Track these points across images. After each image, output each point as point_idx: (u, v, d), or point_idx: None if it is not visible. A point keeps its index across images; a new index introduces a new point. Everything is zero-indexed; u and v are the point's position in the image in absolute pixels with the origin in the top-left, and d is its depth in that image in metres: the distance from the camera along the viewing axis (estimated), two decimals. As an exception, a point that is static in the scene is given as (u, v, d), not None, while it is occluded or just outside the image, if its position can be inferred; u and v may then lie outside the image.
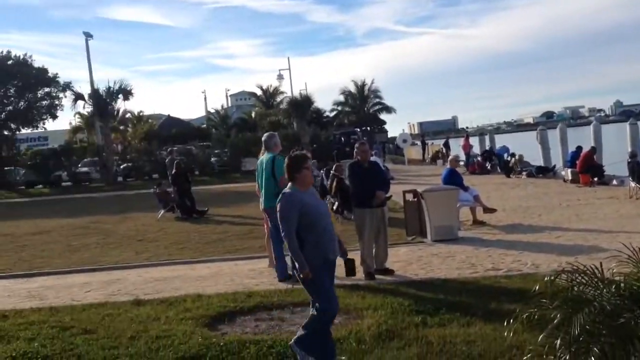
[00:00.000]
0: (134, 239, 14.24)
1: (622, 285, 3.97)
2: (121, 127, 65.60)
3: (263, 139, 9.14)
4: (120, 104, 45.94)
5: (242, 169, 36.99)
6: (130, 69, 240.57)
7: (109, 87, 37.13)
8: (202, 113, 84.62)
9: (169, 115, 75.78)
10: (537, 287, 4.19)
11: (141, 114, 72.41)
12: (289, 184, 5.37)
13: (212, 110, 75.40)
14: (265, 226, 9.54)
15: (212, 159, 39.01)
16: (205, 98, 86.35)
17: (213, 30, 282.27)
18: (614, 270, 4.13)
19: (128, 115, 69.87)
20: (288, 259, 8.73)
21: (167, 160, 24.45)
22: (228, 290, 8.21)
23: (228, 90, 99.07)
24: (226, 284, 8.78)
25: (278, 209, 5.24)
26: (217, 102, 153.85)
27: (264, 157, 8.94)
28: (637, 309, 3.73)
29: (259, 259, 10.31)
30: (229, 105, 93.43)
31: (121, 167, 39.61)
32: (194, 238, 13.69)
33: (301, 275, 5.23)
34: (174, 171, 18.78)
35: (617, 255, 4.20)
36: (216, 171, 37.75)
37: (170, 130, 59.53)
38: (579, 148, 21.72)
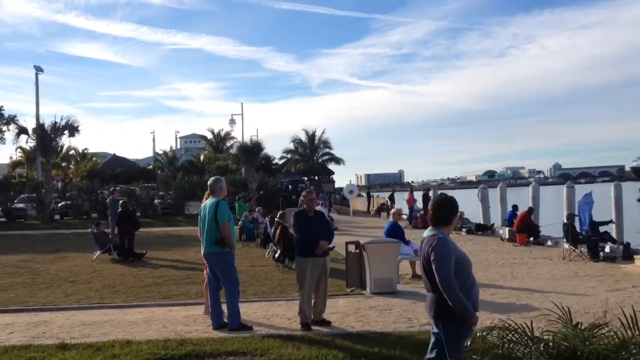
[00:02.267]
0: (66, 280, 13.74)
1: (550, 344, 4.02)
2: (63, 164, 64.30)
3: (209, 182, 9.02)
4: (65, 140, 45.00)
5: (185, 212, 36.51)
6: (80, 105, 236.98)
7: (55, 123, 36.29)
8: (150, 154, 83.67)
9: (114, 154, 74.79)
10: (468, 343, 4.19)
11: (86, 151, 71.30)
12: (434, 229, 4.88)
13: (160, 152, 74.74)
14: (205, 272, 9.36)
15: (156, 201, 38.37)
16: (154, 139, 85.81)
17: (169, 72, 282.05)
18: (544, 329, 4.18)
19: (72, 152, 68.68)
20: (224, 307, 8.59)
21: (108, 200, 23.93)
22: (159, 337, 7.97)
23: (178, 132, 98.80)
24: (158, 330, 8.52)
25: (435, 253, 4.71)
26: (167, 143, 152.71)
27: (208, 201, 8.80)
28: (564, 368, 3.77)
29: (195, 305, 10.08)
30: (178, 147, 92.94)
31: (59, 205, 38.49)
32: (129, 281, 13.30)
33: (471, 323, 4.81)
34: (119, 210, 18.36)
35: (548, 315, 4.27)
36: (159, 213, 37.12)
37: (115, 169, 58.65)
38: (515, 207, 22.42)
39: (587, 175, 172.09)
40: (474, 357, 4.02)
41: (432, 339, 5.07)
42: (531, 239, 19.61)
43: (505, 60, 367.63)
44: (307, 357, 6.81)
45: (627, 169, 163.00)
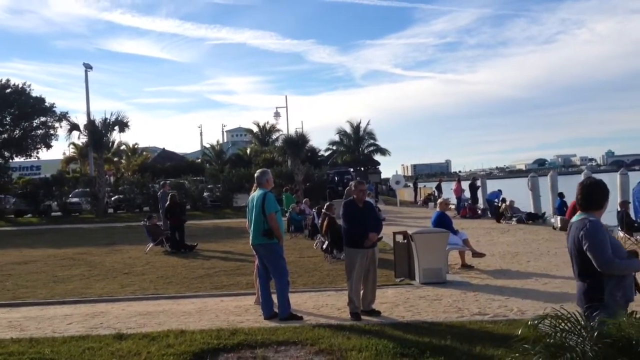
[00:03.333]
0: (120, 271, 14.13)
1: (604, 332, 3.96)
2: (115, 159, 65.83)
3: (256, 175, 9.15)
4: (116, 136, 46.12)
5: (234, 205, 36.97)
6: (128, 101, 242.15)
7: (105, 119, 37.20)
8: (198, 148, 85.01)
9: (164, 148, 76.05)
10: (520, 332, 4.17)
11: (136, 146, 72.86)
12: (584, 214, 4.67)
13: (208, 145, 75.67)
14: (255, 262, 9.50)
15: (205, 194, 38.95)
16: (201, 133, 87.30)
17: (213, 66, 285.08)
18: (597, 318, 4.13)
19: (123, 147, 70.24)
20: (274, 297, 8.71)
21: (159, 193, 24.46)
22: (212, 326, 8.13)
23: (224, 126, 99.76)
24: (211, 320, 8.69)
25: (588, 236, 4.49)
26: (213, 137, 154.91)
27: (255, 193, 8.93)
28: (619, 357, 3.71)
29: (246, 295, 10.25)
30: (225, 140, 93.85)
31: (112, 198, 39.47)
32: (181, 273, 13.59)
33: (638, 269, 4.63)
34: (167, 204, 18.76)
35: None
36: (208, 206, 37.69)
37: (165, 163, 59.67)
38: (561, 195, 22.03)
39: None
40: (525, 346, 4.00)
41: None
42: (584, 227, 19.18)
43: (554, 47, 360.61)
44: (357, 347, 6.85)
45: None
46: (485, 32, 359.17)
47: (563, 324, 4.11)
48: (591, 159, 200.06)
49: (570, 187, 27.65)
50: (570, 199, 21.15)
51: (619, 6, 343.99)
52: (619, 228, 16.30)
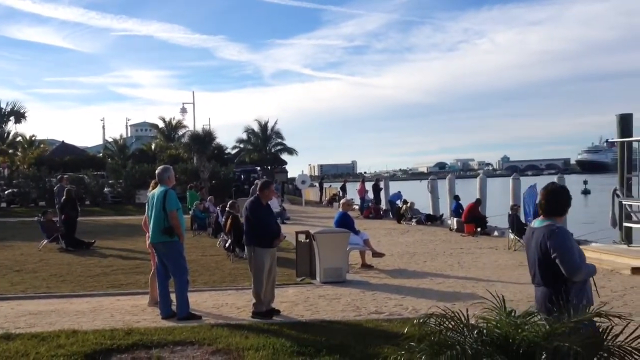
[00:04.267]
0: (11, 269, 13.48)
1: (484, 331, 4.19)
2: (10, 151, 62.40)
3: (157, 171, 8.96)
4: (12, 127, 43.73)
5: (136, 201, 36.01)
6: (26, 91, 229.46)
7: (0, 109, 35.29)
8: (100, 141, 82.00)
9: (63, 141, 72.82)
10: (406, 330, 4.35)
11: (33, 138, 69.32)
12: (547, 219, 4.73)
13: (110, 140, 73.24)
14: (152, 261, 9.34)
15: (106, 189, 37.74)
16: (103, 126, 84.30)
17: (118, 58, 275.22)
18: (479, 317, 4.36)
19: (19, 138, 66.69)
20: (173, 296, 8.60)
21: (56, 187, 23.47)
22: (106, 326, 7.94)
23: (129, 120, 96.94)
24: (105, 320, 8.48)
25: (558, 243, 4.55)
26: (117, 131, 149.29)
27: (156, 190, 8.77)
28: (497, 354, 3.94)
29: (144, 294, 10.04)
30: (129, 135, 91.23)
31: (5, 192, 37.48)
32: (76, 271, 13.14)
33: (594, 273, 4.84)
34: (63, 198, 18.04)
35: (484, 302, 4.45)
36: (109, 202, 36.54)
37: (64, 157, 57.17)
38: (457, 198, 23.09)
39: (534, 168, 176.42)
40: (411, 343, 4.18)
41: None
42: (478, 229, 20.10)
43: (456, 55, 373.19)
44: (255, 346, 6.89)
45: (573, 162, 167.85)
46: (392, 37, 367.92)
47: (447, 323, 4.32)
48: (488, 164, 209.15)
49: (467, 190, 28.88)
50: (466, 201, 22.13)
51: (518, 18, 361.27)
52: (510, 230, 17.16)
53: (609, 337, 3.93)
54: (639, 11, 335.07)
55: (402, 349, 4.12)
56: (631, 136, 16.50)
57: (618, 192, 15.49)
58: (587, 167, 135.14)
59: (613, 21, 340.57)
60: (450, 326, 4.30)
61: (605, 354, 3.85)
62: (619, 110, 17.06)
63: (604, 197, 23.33)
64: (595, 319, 4.13)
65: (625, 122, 16.75)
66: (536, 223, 4.85)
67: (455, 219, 21.71)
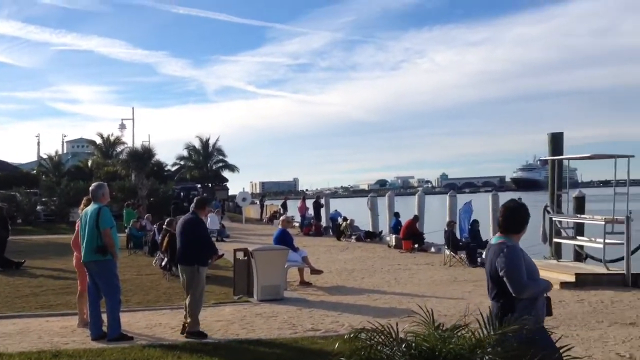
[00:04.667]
0: None
1: (413, 344, 4.25)
2: (-63, 167, 59.91)
3: (91, 188, 8.74)
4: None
5: (70, 219, 35.00)
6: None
7: None
8: (34, 158, 79.41)
9: (-7, 158, 70.43)
10: (337, 346, 4.37)
11: (-38, 154, 66.85)
12: (503, 237, 4.76)
13: (45, 156, 71.13)
14: (79, 281, 9.10)
15: (39, 207, 36.58)
16: (38, 142, 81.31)
17: (56, 73, 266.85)
18: (408, 331, 4.42)
19: (-54, 154, 64.15)
20: (104, 316, 8.37)
21: (-16, 206, 22.61)
22: (33, 348, 7.67)
23: (65, 136, 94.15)
24: (33, 342, 8.18)
25: (505, 262, 4.60)
26: (53, 147, 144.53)
27: (89, 207, 8.56)
28: (424, 367, 4.00)
29: (74, 315, 9.72)
30: (65, 151, 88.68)
31: None
32: (4, 291, 12.63)
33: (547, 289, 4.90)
34: (-7, 217, 17.36)
35: (414, 317, 4.51)
36: (41, 220, 35.41)
37: (-7, 174, 55.23)
38: (397, 215, 23.46)
39: (472, 185, 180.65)
40: (342, 359, 4.21)
41: None
42: (416, 245, 20.38)
43: (399, 74, 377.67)
44: (188, 366, 6.79)
45: (508, 179, 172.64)
46: (336, 56, 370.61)
47: (378, 337, 4.37)
48: (427, 181, 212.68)
49: (406, 207, 29.26)
50: (405, 218, 22.45)
51: (457, 38, 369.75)
52: (446, 246, 17.48)
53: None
54: (574, 33, 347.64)
55: (332, 365, 4.14)
56: (562, 154, 17.08)
57: (549, 208, 15.99)
58: (521, 184, 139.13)
59: (549, 43, 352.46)
60: (381, 340, 4.34)
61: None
62: (553, 129, 17.65)
63: (536, 213, 24.08)
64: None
65: (556, 141, 17.31)
66: (493, 240, 4.94)
67: (393, 236, 21.97)
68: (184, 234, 8.84)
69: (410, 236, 20.61)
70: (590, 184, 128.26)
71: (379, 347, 4.32)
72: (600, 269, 13.38)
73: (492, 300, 4.90)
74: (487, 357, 4.01)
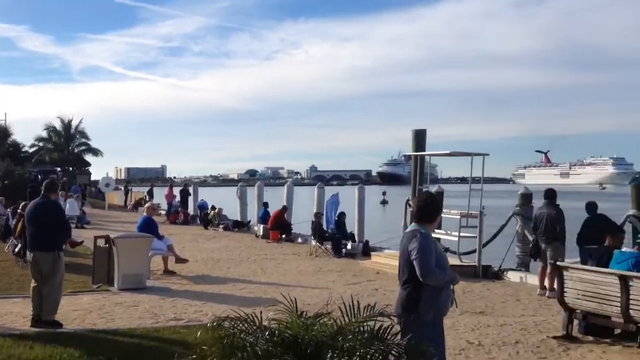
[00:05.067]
0: None
1: (276, 332, 4.30)
2: None
3: None
4: None
5: None
6: None
7: None
8: None
9: None
10: (199, 334, 4.33)
11: None
12: (417, 225, 4.88)
13: None
14: None
15: None
16: None
17: None
18: (271, 319, 4.46)
19: None
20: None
21: None
22: None
23: None
24: None
25: (417, 247, 4.73)
26: None
27: None
28: (286, 354, 4.06)
29: None
30: None
31: None
32: None
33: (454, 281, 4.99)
34: None
35: (279, 306, 4.55)
36: None
37: None
38: (265, 205, 23.61)
39: (340, 178, 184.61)
40: (203, 347, 4.17)
41: None
42: (283, 236, 20.57)
43: (273, 64, 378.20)
44: (41, 356, 6.46)
45: (374, 173, 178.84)
46: (210, 42, 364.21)
47: (241, 325, 4.37)
48: (297, 173, 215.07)
49: (275, 197, 29.43)
50: (274, 208, 22.60)
51: (332, 32, 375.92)
52: (312, 237, 17.79)
53: (389, 336, 4.21)
54: (440, 34, 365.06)
55: (194, 353, 4.09)
56: (424, 150, 17.86)
57: (410, 202, 16.69)
58: (386, 178, 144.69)
59: (416, 42, 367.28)
60: (244, 328, 4.35)
61: (385, 351, 4.12)
62: (418, 126, 18.36)
63: (400, 207, 25.11)
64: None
65: (419, 137, 18.03)
66: (409, 228, 5.11)
67: (261, 226, 22.04)
68: (39, 219, 8.38)
69: (278, 226, 20.78)
70: (448, 180, 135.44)
71: (242, 335, 4.33)
72: (454, 260, 14.16)
73: (401, 287, 5.02)
74: (347, 344, 4.14)
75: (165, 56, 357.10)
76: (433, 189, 18.77)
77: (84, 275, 11.77)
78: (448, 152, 17.09)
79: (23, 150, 60.69)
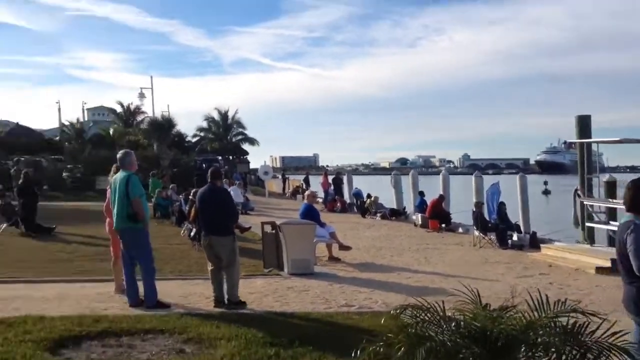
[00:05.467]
0: (-30, 253, 13.14)
1: (462, 323, 4.25)
2: (-37, 132, 60.78)
3: (118, 156, 8.75)
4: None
5: (96, 187, 35.38)
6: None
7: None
8: (56, 124, 80.00)
9: (17, 123, 71.04)
10: (383, 322, 4.38)
11: (-14, 119, 67.57)
12: (632, 215, 4.64)
13: (67, 123, 71.63)
14: (112, 249, 9.20)
15: (64, 174, 36.99)
16: (59, 109, 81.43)
17: (73, 38, 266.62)
18: (455, 309, 4.41)
19: (-28, 119, 64.99)
20: (140, 285, 8.48)
21: (12, 170, 22.92)
22: (73, 313, 7.80)
23: (85, 103, 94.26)
24: (72, 306, 8.33)
25: (632, 238, 4.48)
26: (73, 114, 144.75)
27: (117, 175, 8.59)
28: (474, 347, 4.00)
29: (109, 282, 9.87)
30: (86, 119, 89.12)
31: (-41, 174, 36.47)
32: (40, 256, 12.88)
33: None
34: (20, 182, 17.60)
35: (458, 296, 4.51)
36: (68, 187, 35.81)
37: (19, 139, 55.82)
38: (421, 193, 23.30)
39: (495, 167, 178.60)
40: (389, 335, 4.21)
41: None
42: (443, 225, 20.33)
43: (416, 51, 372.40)
44: (227, 336, 6.85)
45: (532, 162, 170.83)
46: (352, 31, 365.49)
47: (424, 315, 4.37)
48: (449, 161, 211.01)
49: (429, 186, 29.10)
50: (430, 197, 22.38)
51: (476, 17, 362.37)
52: (475, 227, 17.41)
53: (586, 333, 4.02)
54: (590, 15, 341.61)
55: (380, 341, 4.14)
56: (590, 137, 16.84)
57: (579, 192, 15.83)
58: (546, 167, 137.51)
59: (564, 24, 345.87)
60: (427, 318, 4.34)
61: (583, 349, 3.95)
62: (575, 112, 17.34)
63: (564, 197, 23.86)
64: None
65: (584, 123, 17.05)
66: (623, 219, 4.84)
67: (419, 215, 21.91)
68: (213, 205, 8.82)
69: (437, 215, 20.56)
70: (617, 169, 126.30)
71: (425, 325, 4.32)
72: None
73: (626, 283, 4.73)
74: (540, 339, 4.02)
75: (309, 46, 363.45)
76: (604, 178, 17.63)
77: (255, 259, 12.34)
78: (618, 139, 15.93)
79: (186, 140, 64.73)
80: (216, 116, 70.21)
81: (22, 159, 27.56)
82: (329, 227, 14.19)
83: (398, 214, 24.99)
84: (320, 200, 31.03)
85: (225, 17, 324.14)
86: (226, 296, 8.63)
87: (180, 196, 21.09)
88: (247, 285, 9.84)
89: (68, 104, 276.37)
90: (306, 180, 40.67)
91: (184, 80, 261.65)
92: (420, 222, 21.43)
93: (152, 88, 56.18)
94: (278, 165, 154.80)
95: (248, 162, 72.34)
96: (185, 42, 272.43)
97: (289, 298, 9.32)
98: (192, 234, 15.01)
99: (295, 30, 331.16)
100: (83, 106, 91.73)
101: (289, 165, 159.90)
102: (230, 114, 70.27)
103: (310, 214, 13.74)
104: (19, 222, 16.73)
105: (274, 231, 12.20)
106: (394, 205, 26.74)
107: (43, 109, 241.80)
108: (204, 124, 70.57)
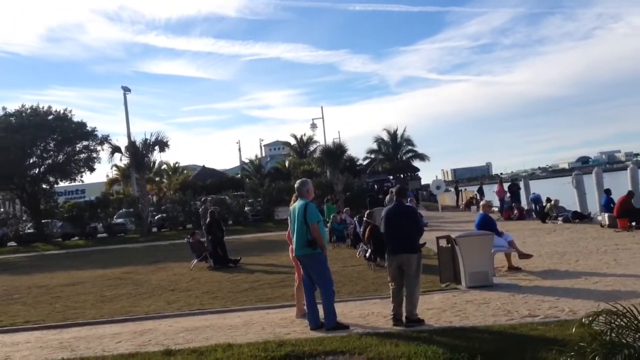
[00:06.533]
0: (166, 288, 14.27)
1: (662, 329, 3.82)
2: (157, 179, 66.98)
3: (296, 185, 9.15)
4: (157, 156, 46.57)
5: (275, 218, 37.12)
6: (167, 121, 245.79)
7: (146, 140, 37.95)
8: (237, 163, 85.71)
9: (203, 166, 76.97)
10: (573, 331, 4.05)
11: (177, 165, 74.05)
12: None
13: (246, 160, 76.38)
14: (297, 274, 9.48)
15: (246, 209, 39.28)
16: (239, 148, 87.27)
17: (248, 82, 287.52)
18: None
19: (164, 166, 71.55)
20: (320, 307, 8.66)
21: (200, 210, 24.68)
22: (259, 339, 8.11)
23: (262, 140, 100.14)
24: (257, 333, 8.69)
25: None
26: (252, 152, 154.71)
27: (296, 204, 8.93)
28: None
29: (291, 307, 10.20)
30: (263, 155, 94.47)
31: (156, 217, 40.05)
32: (226, 287, 13.66)
33: None
34: (208, 220, 18.94)
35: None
36: (250, 220, 37.93)
37: (205, 180, 60.34)
38: (608, 191, 21.57)
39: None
40: (581, 344, 3.88)
41: None
42: (633, 223, 18.66)
43: (592, 42, 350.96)
44: (407, 354, 6.75)
45: None
46: (520, 32, 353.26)
47: (619, 321, 3.99)
48: (636, 154, 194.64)
49: (616, 183, 27.02)
50: (617, 195, 20.67)
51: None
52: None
53: None
54: None
55: (571, 350, 3.83)
56: None
57: None
58: None
59: None
60: (623, 324, 3.96)
61: None
62: None
63: None
64: None
65: None
66: None
67: (606, 214, 20.31)
68: (402, 222, 8.76)
69: (626, 213, 18.92)
70: None
71: (620, 332, 3.94)
72: None
73: None
74: None
75: (476, 54, 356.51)
76: None
77: (431, 274, 12.11)
78: None
79: (357, 163, 66.05)
80: (385, 137, 71.26)
81: (209, 198, 29.61)
82: (507, 236, 13.63)
83: (582, 216, 23.35)
84: (496, 209, 29.95)
85: (390, 38, 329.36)
86: (404, 314, 8.52)
87: (354, 219, 21.36)
88: (425, 301, 9.65)
89: (247, 142, 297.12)
90: (480, 191, 39.48)
91: (352, 106, 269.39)
92: (607, 222, 19.84)
93: (322, 117, 58.36)
94: (450, 178, 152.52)
95: (419, 179, 72.20)
96: (352, 70, 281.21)
97: (468, 312, 8.99)
98: (367, 254, 15.13)
99: (460, 40, 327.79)
100: (260, 143, 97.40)
101: (461, 177, 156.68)
102: (399, 133, 71.04)
103: (486, 224, 13.31)
104: (208, 257, 17.92)
105: (449, 245, 11.92)
106: (576, 207, 25.08)
107: (225, 150, 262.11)
108: (374, 146, 71.91)
